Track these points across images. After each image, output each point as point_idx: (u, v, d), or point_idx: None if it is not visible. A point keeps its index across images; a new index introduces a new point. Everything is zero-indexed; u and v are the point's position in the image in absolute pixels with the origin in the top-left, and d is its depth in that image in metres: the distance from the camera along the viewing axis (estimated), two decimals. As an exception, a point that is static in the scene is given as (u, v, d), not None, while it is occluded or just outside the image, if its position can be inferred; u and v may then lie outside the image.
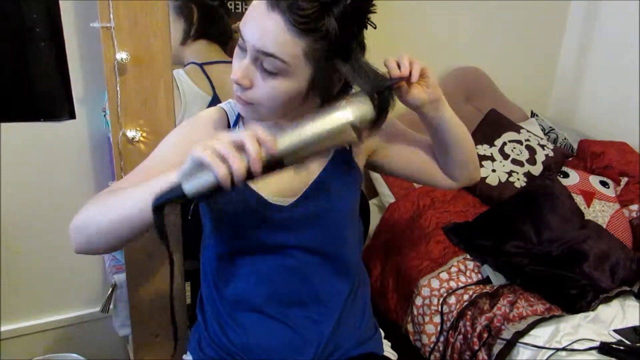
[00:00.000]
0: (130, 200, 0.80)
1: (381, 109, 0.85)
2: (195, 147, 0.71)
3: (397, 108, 2.27)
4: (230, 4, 1.58)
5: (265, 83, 0.84)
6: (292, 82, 0.85)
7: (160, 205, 0.74)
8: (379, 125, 0.87)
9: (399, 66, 0.92)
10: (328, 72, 0.85)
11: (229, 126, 0.99)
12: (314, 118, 0.76)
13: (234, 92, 0.88)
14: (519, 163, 2.00)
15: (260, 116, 0.90)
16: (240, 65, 0.85)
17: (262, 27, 0.81)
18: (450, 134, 1.03)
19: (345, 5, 0.80)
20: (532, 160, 2.02)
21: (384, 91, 0.86)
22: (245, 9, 0.88)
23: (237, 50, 0.87)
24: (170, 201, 0.74)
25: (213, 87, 1.47)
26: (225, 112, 1.00)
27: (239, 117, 0.99)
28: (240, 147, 0.70)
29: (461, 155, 1.07)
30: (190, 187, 0.72)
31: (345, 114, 0.77)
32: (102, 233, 0.82)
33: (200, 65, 1.47)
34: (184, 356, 1.13)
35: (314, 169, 0.99)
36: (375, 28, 0.89)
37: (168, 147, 0.95)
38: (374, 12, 0.86)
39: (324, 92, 0.89)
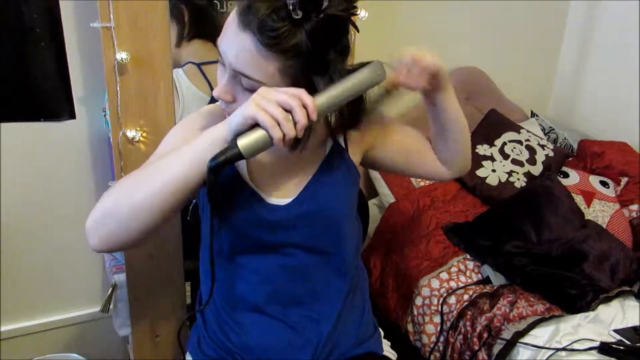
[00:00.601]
0: (169, 167, 0.80)
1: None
2: (247, 104, 0.76)
3: (396, 107, 2.24)
4: (216, 3, 1.57)
5: (245, 98, 0.83)
6: None
7: (217, 165, 0.77)
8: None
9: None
10: (307, 86, 0.83)
11: None
12: (345, 80, 0.82)
13: (220, 106, 0.90)
14: (519, 163, 2.00)
15: None
16: (220, 82, 0.86)
17: (235, 47, 0.81)
18: (451, 122, 1.04)
19: (317, 21, 0.78)
20: (532, 160, 2.02)
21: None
22: (230, 8, 0.88)
23: (219, 63, 0.88)
24: (227, 161, 0.77)
25: (211, 87, 1.47)
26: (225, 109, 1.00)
27: None
28: (287, 108, 0.76)
29: (458, 141, 1.08)
30: (247, 146, 0.77)
31: (372, 67, 0.85)
32: (134, 216, 0.80)
33: (198, 65, 1.47)
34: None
35: (311, 167, 0.99)
36: (358, 31, 0.90)
37: (170, 144, 0.95)
38: (355, 14, 0.84)
39: None
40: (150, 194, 0.80)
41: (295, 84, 0.83)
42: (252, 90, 0.82)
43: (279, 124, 0.76)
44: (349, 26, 0.85)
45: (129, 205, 0.80)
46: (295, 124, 0.77)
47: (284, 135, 0.76)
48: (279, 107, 0.76)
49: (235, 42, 0.80)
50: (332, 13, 0.79)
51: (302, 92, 0.78)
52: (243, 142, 0.77)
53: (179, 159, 0.80)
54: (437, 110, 1.02)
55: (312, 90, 0.82)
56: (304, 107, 0.77)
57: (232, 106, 0.86)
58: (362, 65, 0.85)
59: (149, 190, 0.80)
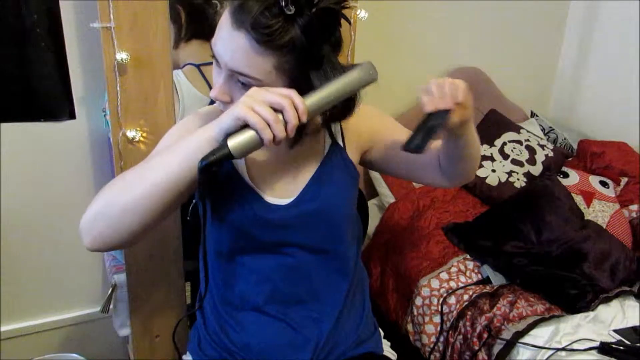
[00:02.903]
0: (159, 167, 0.80)
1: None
2: (237, 105, 0.76)
3: (396, 106, 2.26)
4: (215, 3, 1.56)
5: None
6: None
7: (207, 165, 0.77)
8: None
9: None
10: (303, 81, 0.84)
11: None
12: (336, 80, 0.83)
13: (218, 107, 0.90)
14: (519, 163, 2.00)
15: None
16: (217, 82, 0.86)
17: (230, 46, 0.81)
18: (466, 150, 1.01)
19: (310, 16, 0.79)
20: (532, 161, 2.02)
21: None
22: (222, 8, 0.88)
23: (214, 64, 0.88)
24: (217, 161, 0.77)
25: (210, 88, 1.47)
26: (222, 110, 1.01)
27: None
28: (277, 108, 0.77)
29: (468, 167, 1.06)
30: (237, 147, 0.77)
31: (364, 67, 0.84)
32: (124, 216, 0.80)
33: (197, 66, 1.47)
34: (184, 356, 1.13)
35: (310, 166, 0.99)
36: (350, 24, 0.89)
37: (166, 146, 0.95)
38: (347, 7, 0.84)
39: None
40: (141, 195, 0.79)
41: (291, 79, 0.83)
42: (249, 87, 0.82)
43: (269, 125, 0.76)
44: (341, 19, 0.85)
45: (119, 205, 0.80)
46: (285, 124, 0.77)
47: (274, 136, 0.77)
48: (269, 107, 0.76)
49: (230, 42, 0.80)
50: (325, 6, 0.79)
51: (292, 93, 0.78)
52: (233, 143, 0.77)
53: (169, 158, 0.80)
54: (455, 140, 0.98)
55: (308, 86, 0.83)
56: (295, 107, 0.78)
57: (230, 106, 0.86)
58: (354, 66, 0.86)
59: (139, 191, 0.80)
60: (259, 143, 0.78)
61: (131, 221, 0.80)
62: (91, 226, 0.82)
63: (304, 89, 0.82)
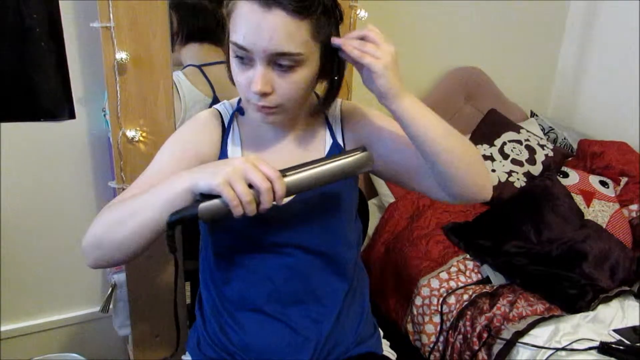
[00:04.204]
0: (143, 210, 0.81)
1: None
2: (216, 174, 0.75)
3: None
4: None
5: (284, 80, 0.85)
6: (308, 68, 0.86)
7: (175, 222, 0.77)
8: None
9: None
10: (329, 46, 0.87)
11: (223, 127, 0.99)
12: (321, 162, 0.81)
13: (254, 104, 0.87)
14: (519, 163, 2.00)
15: (284, 117, 0.91)
16: (255, 75, 0.84)
17: (266, 30, 0.80)
18: (412, 129, 0.87)
19: None
20: (531, 160, 2.02)
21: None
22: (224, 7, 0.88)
23: (236, 64, 0.86)
24: (185, 219, 0.77)
25: (213, 89, 1.47)
26: (220, 114, 1.01)
27: (232, 118, 1.00)
28: (255, 188, 0.75)
29: (448, 167, 0.89)
30: (205, 213, 0.76)
31: (361, 158, 0.82)
32: (117, 250, 0.84)
33: (199, 67, 1.47)
34: (183, 356, 1.13)
35: None
36: None
37: (167, 157, 0.96)
38: None
39: (328, 69, 0.90)
40: (130, 234, 0.82)
41: (323, 45, 0.86)
42: (290, 68, 0.83)
43: (242, 203, 0.75)
44: None
45: (111, 241, 0.83)
46: (259, 204, 0.76)
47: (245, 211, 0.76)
48: (246, 186, 0.75)
49: (265, 24, 0.80)
50: None
51: (275, 177, 0.76)
52: (203, 207, 0.76)
53: (153, 200, 0.81)
54: (402, 125, 0.89)
55: (333, 55, 0.87)
56: (273, 191, 0.76)
57: (271, 98, 0.86)
58: (354, 151, 0.83)
59: (128, 230, 0.81)
60: (229, 215, 0.76)
61: (126, 252, 0.84)
62: (89, 252, 0.87)
63: (330, 54, 0.87)
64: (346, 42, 0.85)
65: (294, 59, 0.82)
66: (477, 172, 0.93)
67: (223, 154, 0.98)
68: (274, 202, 0.77)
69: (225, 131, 0.99)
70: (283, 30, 0.80)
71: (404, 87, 0.86)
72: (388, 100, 0.86)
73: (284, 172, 0.79)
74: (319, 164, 0.81)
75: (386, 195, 1.97)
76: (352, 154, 0.82)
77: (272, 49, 0.81)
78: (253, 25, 0.81)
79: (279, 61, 0.83)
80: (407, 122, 0.87)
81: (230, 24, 0.85)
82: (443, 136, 0.88)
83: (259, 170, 0.76)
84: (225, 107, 1.02)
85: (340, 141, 1.02)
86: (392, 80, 0.84)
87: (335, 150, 1.01)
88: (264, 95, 0.85)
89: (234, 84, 0.99)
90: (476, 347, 1.39)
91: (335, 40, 0.86)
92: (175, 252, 0.81)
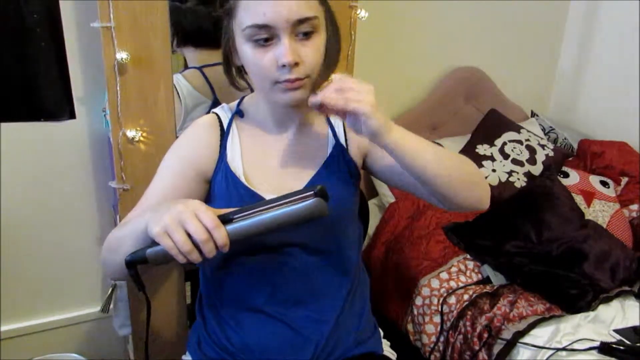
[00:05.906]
0: (129, 240, 0.82)
1: None
2: (157, 223, 0.73)
3: (396, 107, 2.26)
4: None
5: (308, 48, 0.87)
6: (322, 34, 0.90)
7: (131, 261, 0.79)
8: None
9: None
10: (330, 10, 0.92)
11: (222, 130, 0.99)
12: (270, 206, 0.76)
13: (284, 82, 0.86)
14: (519, 163, 2.00)
15: (306, 94, 0.89)
16: (283, 48, 0.84)
17: (286, 2, 0.83)
18: (407, 160, 0.89)
19: None
20: (532, 160, 2.02)
21: None
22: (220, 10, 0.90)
23: (253, 49, 0.86)
24: (137, 261, 0.79)
25: (213, 91, 1.46)
26: (218, 118, 1.00)
27: (231, 121, 1.00)
28: (194, 240, 0.73)
29: (440, 189, 0.92)
30: (153, 257, 0.77)
31: (311, 206, 0.75)
32: (119, 271, 0.87)
33: (200, 69, 1.46)
34: (183, 356, 1.13)
35: (312, 167, 0.99)
36: None
37: (166, 173, 0.97)
38: None
39: (330, 36, 0.93)
40: (121, 261, 0.82)
41: (326, 10, 0.91)
42: (310, 34, 0.86)
43: (182, 252, 0.73)
44: None
45: (112, 265, 0.89)
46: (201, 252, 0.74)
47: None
48: (185, 235, 0.72)
49: None
50: None
51: (213, 226, 0.73)
52: (150, 252, 0.77)
53: (129, 234, 0.83)
54: (396, 158, 0.89)
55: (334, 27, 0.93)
56: (214, 240, 0.73)
57: (300, 69, 0.86)
58: (304, 192, 0.77)
59: (120, 257, 0.83)
60: (174, 259, 0.75)
61: (126, 273, 0.84)
62: (104, 267, 0.95)
63: (332, 21, 0.92)
64: (326, 97, 0.83)
65: (313, 23, 0.86)
66: (473, 188, 0.96)
67: (221, 159, 0.97)
68: (217, 250, 0.74)
69: (224, 135, 0.99)
70: None
71: (389, 120, 0.87)
72: (380, 138, 0.86)
73: (229, 217, 0.76)
74: (267, 208, 0.76)
75: (386, 195, 1.97)
76: (305, 198, 0.76)
77: (295, 17, 0.84)
78: (271, 2, 0.83)
79: (300, 29, 0.85)
80: (400, 154, 0.88)
81: (237, 16, 0.87)
82: (436, 161, 0.90)
83: (197, 220, 0.73)
84: (224, 110, 1.02)
85: (342, 142, 1.02)
86: (381, 117, 0.84)
87: (338, 151, 1.01)
88: (295, 65, 0.86)
89: (234, 86, 1.00)
90: (476, 347, 1.39)
91: (313, 99, 0.85)
92: (142, 289, 0.83)
